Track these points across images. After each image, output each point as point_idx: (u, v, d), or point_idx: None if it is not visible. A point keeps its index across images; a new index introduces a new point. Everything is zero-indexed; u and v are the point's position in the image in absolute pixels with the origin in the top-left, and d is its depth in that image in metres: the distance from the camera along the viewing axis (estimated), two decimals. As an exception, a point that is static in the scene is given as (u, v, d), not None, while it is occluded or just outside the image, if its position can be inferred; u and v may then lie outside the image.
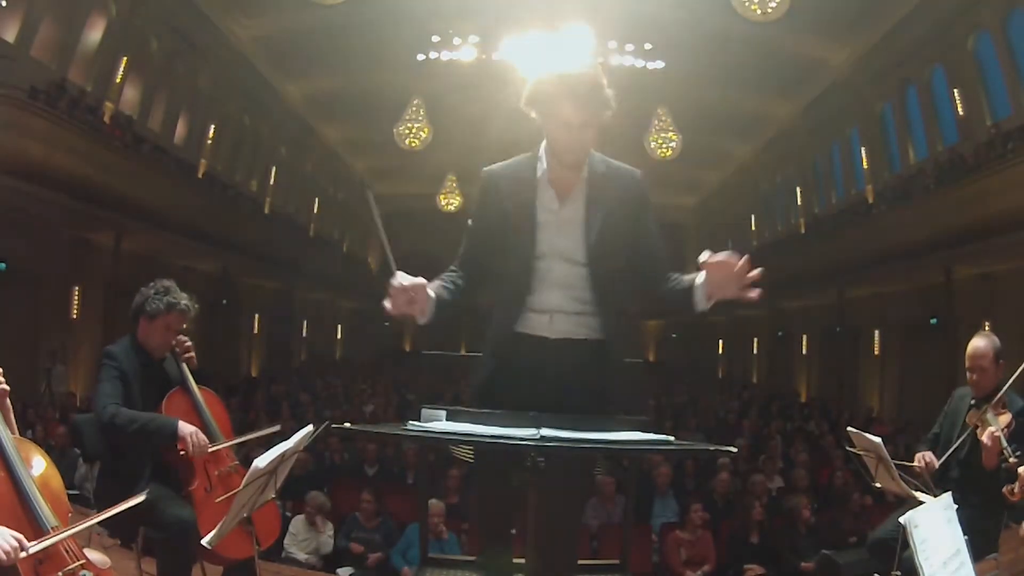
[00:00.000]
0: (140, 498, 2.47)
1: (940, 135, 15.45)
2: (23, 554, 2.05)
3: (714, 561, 6.80)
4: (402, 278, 2.42)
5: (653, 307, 2.60)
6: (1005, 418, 3.41)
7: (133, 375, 3.21)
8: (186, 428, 3.12)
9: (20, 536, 2.06)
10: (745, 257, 2.31)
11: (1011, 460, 3.19)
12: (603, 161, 2.56)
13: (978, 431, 3.44)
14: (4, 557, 2.00)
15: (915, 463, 3.59)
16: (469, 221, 2.71)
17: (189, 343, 3.42)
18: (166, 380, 3.33)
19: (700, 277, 2.45)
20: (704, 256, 2.38)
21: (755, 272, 2.31)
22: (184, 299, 3.31)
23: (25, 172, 10.63)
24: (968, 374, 3.64)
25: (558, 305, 2.53)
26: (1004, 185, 11.51)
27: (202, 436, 3.14)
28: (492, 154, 2.96)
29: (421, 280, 2.45)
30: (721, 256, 2.35)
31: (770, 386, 22.15)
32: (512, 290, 2.55)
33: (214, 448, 3.20)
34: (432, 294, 2.48)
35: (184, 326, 3.35)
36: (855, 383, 18.32)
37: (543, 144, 2.55)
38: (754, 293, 2.32)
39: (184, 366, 3.38)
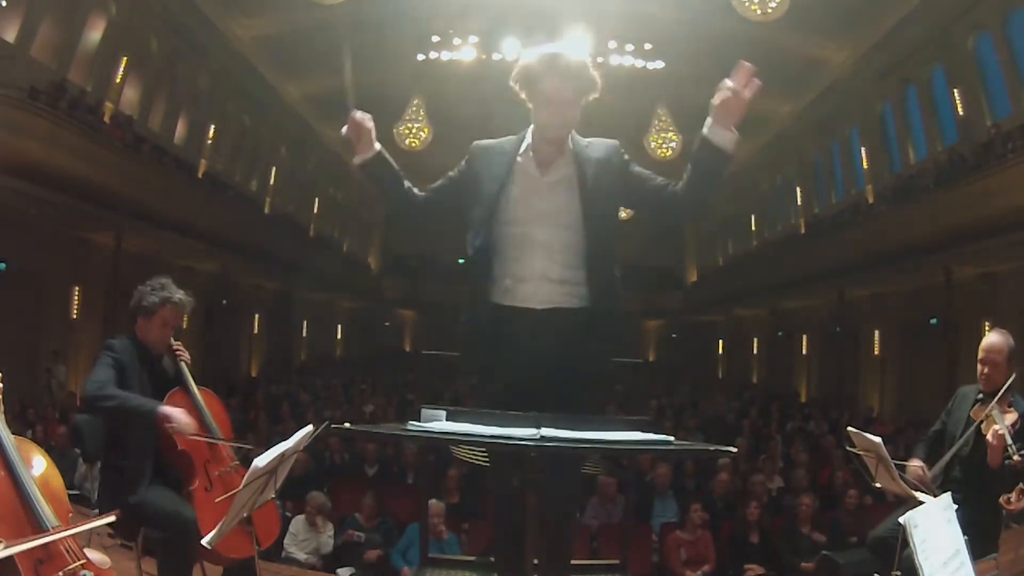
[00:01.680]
0: (111, 518, 2.50)
1: (940, 135, 15.45)
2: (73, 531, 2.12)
3: (714, 561, 6.79)
4: (362, 115, 2.60)
5: (689, 201, 2.58)
6: (1012, 416, 3.40)
7: (132, 371, 3.21)
8: (168, 408, 3.08)
9: None
10: (741, 72, 2.38)
11: (1016, 458, 3.18)
12: (583, 139, 2.67)
13: (983, 427, 3.43)
14: None
15: (908, 466, 3.58)
16: (448, 173, 2.80)
17: (179, 345, 3.43)
18: (165, 379, 3.33)
19: (706, 127, 2.47)
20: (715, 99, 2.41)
21: (749, 74, 2.38)
22: (179, 293, 3.31)
23: (25, 172, 10.63)
24: (979, 367, 3.59)
25: (542, 272, 2.58)
26: (1004, 185, 11.51)
27: (186, 416, 3.10)
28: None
29: (371, 127, 2.62)
30: (724, 95, 2.39)
31: (770, 386, 22.14)
32: (492, 257, 2.60)
33: (204, 439, 3.19)
34: (378, 147, 2.65)
35: (181, 321, 3.34)
36: (855, 383, 18.32)
37: (530, 127, 2.67)
38: (755, 85, 2.39)
39: (183, 366, 3.38)
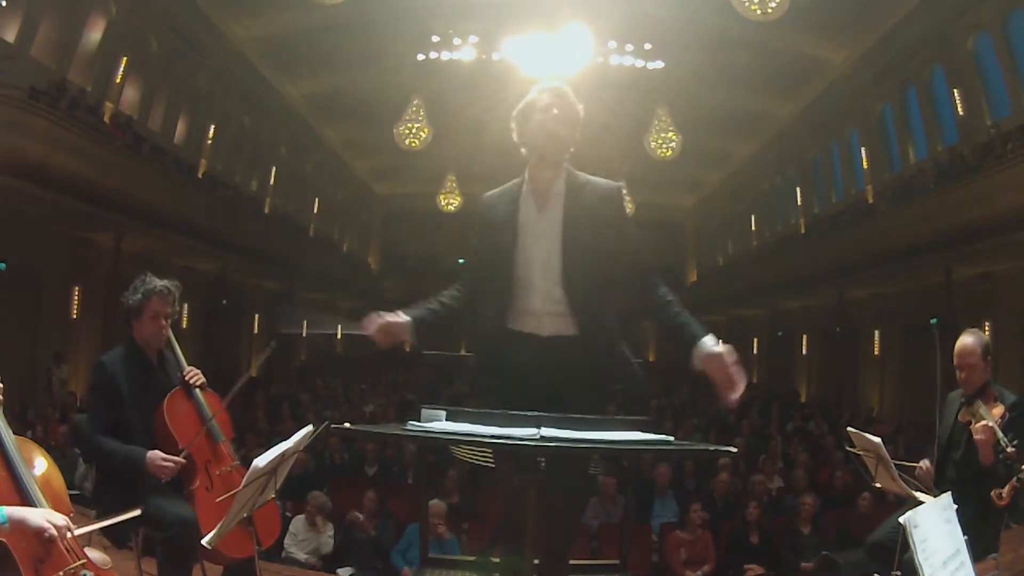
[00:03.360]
0: (137, 512, 2.59)
1: (940, 135, 15.44)
2: (69, 534, 2.20)
3: (714, 561, 6.80)
4: (376, 317, 2.68)
5: (646, 310, 2.79)
6: (998, 410, 3.42)
7: (128, 382, 3.20)
8: (152, 460, 3.08)
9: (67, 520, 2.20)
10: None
11: (1009, 450, 3.19)
12: (583, 176, 2.77)
13: (972, 427, 3.44)
14: (56, 532, 2.13)
15: (917, 467, 3.60)
16: (472, 241, 2.90)
17: (193, 370, 3.39)
18: (166, 382, 3.32)
19: (704, 344, 2.66)
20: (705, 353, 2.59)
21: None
22: (160, 283, 3.28)
23: (25, 172, 10.62)
24: (957, 372, 3.63)
25: (541, 308, 2.70)
26: (1004, 185, 11.50)
27: (168, 463, 3.09)
28: (492, 154, 3.04)
29: (392, 319, 2.69)
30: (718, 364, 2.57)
31: (770, 386, 22.14)
32: (498, 293, 2.73)
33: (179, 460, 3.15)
34: (406, 318, 2.71)
35: (171, 309, 3.30)
36: (855, 383, 18.31)
37: (526, 171, 2.80)
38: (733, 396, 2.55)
39: (197, 392, 3.34)
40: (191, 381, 3.33)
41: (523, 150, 2.78)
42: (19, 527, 2.11)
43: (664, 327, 2.74)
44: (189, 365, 3.41)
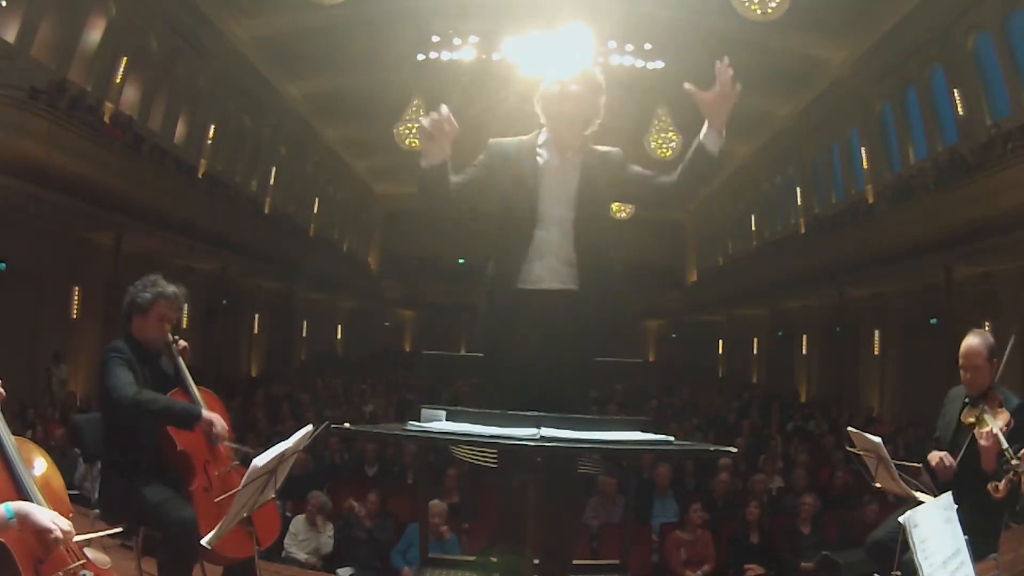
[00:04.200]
0: (118, 528, 2.65)
1: (940, 135, 15.45)
2: (75, 539, 2.21)
3: (714, 561, 6.79)
4: (447, 115, 2.61)
5: (683, 193, 2.95)
6: (1004, 416, 3.38)
7: (137, 371, 3.21)
8: (211, 412, 3.17)
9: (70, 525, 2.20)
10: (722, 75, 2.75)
11: (1014, 461, 3.15)
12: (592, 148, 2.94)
13: (975, 430, 3.41)
14: (62, 536, 2.12)
15: (932, 462, 3.47)
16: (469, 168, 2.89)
17: (184, 343, 3.43)
18: (165, 379, 3.33)
19: (702, 134, 2.82)
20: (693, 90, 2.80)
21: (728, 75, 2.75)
22: (172, 288, 3.31)
23: (25, 172, 10.63)
24: (962, 372, 3.58)
25: (554, 260, 2.80)
26: (1004, 185, 11.51)
27: (223, 423, 3.18)
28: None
29: (450, 129, 2.62)
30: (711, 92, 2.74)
31: (770, 386, 22.14)
32: (517, 235, 2.79)
33: (235, 446, 3.25)
34: (447, 155, 2.67)
35: (177, 315, 3.33)
36: (855, 383, 18.32)
37: (543, 128, 2.91)
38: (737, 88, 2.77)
39: (182, 364, 3.37)
40: (177, 347, 3.37)
41: (543, 120, 2.91)
42: (25, 523, 2.11)
43: (685, 175, 2.88)
44: (188, 367, 3.41)
